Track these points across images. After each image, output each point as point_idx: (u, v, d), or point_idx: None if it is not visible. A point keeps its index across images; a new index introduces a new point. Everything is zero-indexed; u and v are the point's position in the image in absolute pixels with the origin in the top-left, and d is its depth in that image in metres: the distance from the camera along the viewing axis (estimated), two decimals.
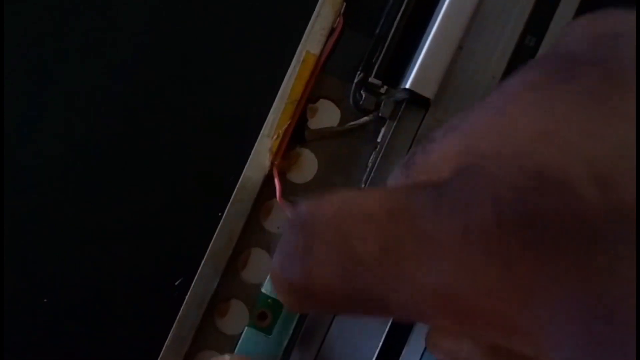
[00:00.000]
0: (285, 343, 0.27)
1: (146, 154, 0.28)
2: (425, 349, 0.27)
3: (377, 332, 0.27)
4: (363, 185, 0.27)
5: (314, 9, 0.27)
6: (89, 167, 0.28)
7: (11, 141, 0.28)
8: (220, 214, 0.27)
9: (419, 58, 0.26)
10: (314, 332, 0.27)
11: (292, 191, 0.28)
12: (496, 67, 0.27)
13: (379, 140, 0.27)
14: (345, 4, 0.27)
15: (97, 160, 0.28)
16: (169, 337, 0.27)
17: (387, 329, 0.27)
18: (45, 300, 0.27)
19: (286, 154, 0.28)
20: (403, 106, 0.27)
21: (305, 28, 0.27)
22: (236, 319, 0.28)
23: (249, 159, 0.27)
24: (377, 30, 0.27)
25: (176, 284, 0.27)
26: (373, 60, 0.27)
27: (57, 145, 0.28)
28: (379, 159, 0.27)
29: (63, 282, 0.28)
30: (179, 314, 0.27)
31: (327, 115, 0.28)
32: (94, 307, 0.27)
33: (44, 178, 0.28)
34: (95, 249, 0.28)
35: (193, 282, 0.27)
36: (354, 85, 0.27)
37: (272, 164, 0.27)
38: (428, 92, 0.26)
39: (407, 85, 0.26)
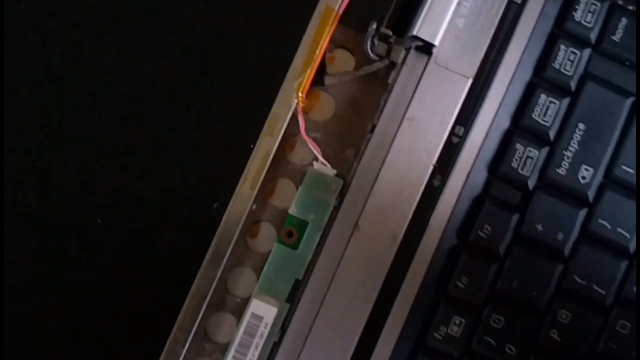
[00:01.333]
0: (309, 257, 0.31)
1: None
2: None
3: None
4: (376, 121, 0.31)
5: None
6: None
7: None
8: (252, 146, 0.31)
9: (424, 9, 0.30)
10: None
11: (312, 128, 0.32)
12: (495, 16, 0.31)
13: (389, 82, 0.31)
14: None
15: None
16: (208, 252, 0.30)
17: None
18: (99, 221, 0.31)
19: (308, 95, 0.32)
20: (410, 52, 0.31)
21: None
22: (265, 239, 0.32)
23: (277, 97, 0.31)
24: None
25: (215, 206, 0.31)
26: (384, 13, 0.31)
27: None
28: (389, 98, 0.31)
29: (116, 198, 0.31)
30: (217, 231, 0.31)
31: (343, 62, 0.32)
32: (144, 222, 0.31)
33: None
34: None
35: (229, 205, 0.31)
36: (367, 35, 0.31)
37: (297, 103, 0.31)
38: (433, 38, 0.30)
39: (415, 33, 0.30)
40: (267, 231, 0.32)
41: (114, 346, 0.31)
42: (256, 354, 0.30)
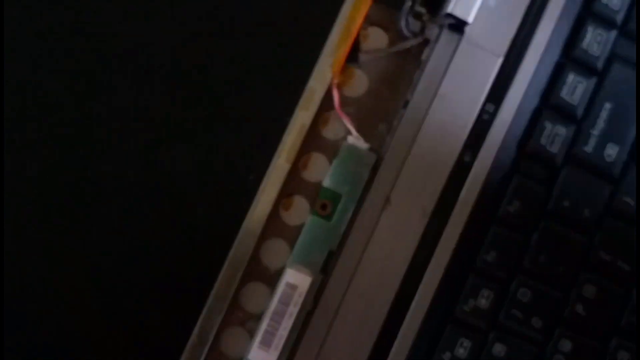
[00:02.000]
0: (343, 229, 0.32)
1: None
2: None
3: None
4: (409, 97, 0.32)
5: None
6: None
7: None
8: (287, 119, 0.32)
9: None
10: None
11: (346, 104, 0.33)
12: None
13: (422, 59, 0.32)
14: None
15: None
16: (243, 223, 0.31)
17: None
18: (137, 193, 0.32)
19: (343, 71, 0.32)
20: (443, 30, 0.32)
21: None
22: (299, 211, 0.32)
23: (313, 73, 0.32)
24: None
25: (250, 178, 0.32)
26: None
27: None
28: (423, 75, 0.32)
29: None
30: (252, 203, 0.31)
31: (377, 40, 0.33)
32: (180, 194, 0.32)
33: None
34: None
35: (265, 176, 0.31)
36: (402, 12, 0.32)
37: (331, 78, 0.32)
38: (466, 16, 0.31)
39: (449, 11, 0.31)
40: (300, 204, 0.32)
41: (150, 315, 0.32)
42: (290, 323, 0.31)
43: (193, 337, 0.30)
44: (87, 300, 0.32)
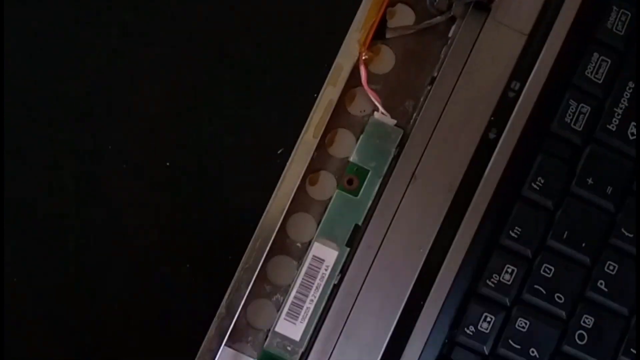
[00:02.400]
0: (369, 203, 0.32)
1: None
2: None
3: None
4: (435, 74, 0.32)
5: None
6: None
7: None
8: (315, 95, 0.32)
9: None
10: None
11: (373, 80, 0.33)
12: None
13: (449, 36, 0.33)
14: None
15: None
16: (272, 197, 0.31)
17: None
18: (167, 164, 0.32)
19: (370, 47, 0.33)
20: (470, 7, 0.32)
21: None
22: (325, 187, 0.33)
23: (340, 49, 0.32)
24: None
25: (279, 152, 0.32)
26: None
27: None
28: (450, 52, 0.32)
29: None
30: (281, 176, 0.31)
31: (404, 17, 0.33)
32: (211, 168, 0.32)
33: None
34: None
35: (293, 151, 0.32)
36: None
37: (359, 54, 0.32)
38: None
39: None
40: (326, 179, 0.33)
41: (181, 287, 0.32)
42: (317, 295, 0.31)
43: (221, 308, 0.31)
44: (119, 269, 0.32)
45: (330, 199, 0.32)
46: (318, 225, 0.32)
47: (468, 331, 0.32)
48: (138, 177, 0.32)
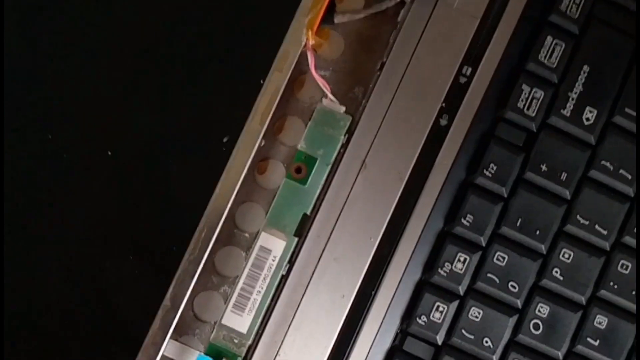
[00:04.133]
0: (317, 192, 0.31)
1: None
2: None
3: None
4: (385, 59, 0.32)
5: None
6: None
7: None
8: (261, 81, 0.31)
9: None
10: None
11: (321, 66, 0.32)
12: None
13: (398, 20, 0.32)
14: None
15: None
16: (217, 185, 0.31)
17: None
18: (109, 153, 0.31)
19: (318, 32, 0.32)
20: None
21: None
22: (274, 175, 0.32)
23: (287, 34, 0.31)
24: None
25: (224, 140, 0.31)
26: None
27: None
28: (399, 37, 0.31)
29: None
30: (227, 165, 0.31)
31: (352, 1, 0.32)
32: (154, 155, 0.31)
33: None
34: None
35: (239, 139, 0.31)
36: None
37: (306, 39, 0.31)
38: None
39: None
40: (275, 168, 0.32)
41: (124, 278, 0.32)
42: (264, 286, 0.31)
43: (166, 301, 0.30)
44: (61, 262, 0.32)
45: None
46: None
47: (420, 321, 0.31)
48: (79, 166, 0.31)
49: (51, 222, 0.31)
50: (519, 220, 0.32)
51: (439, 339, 0.32)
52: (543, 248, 0.32)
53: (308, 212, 0.31)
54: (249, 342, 0.31)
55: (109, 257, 0.31)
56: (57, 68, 0.32)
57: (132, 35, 0.32)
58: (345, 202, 0.31)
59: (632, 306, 0.32)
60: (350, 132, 0.32)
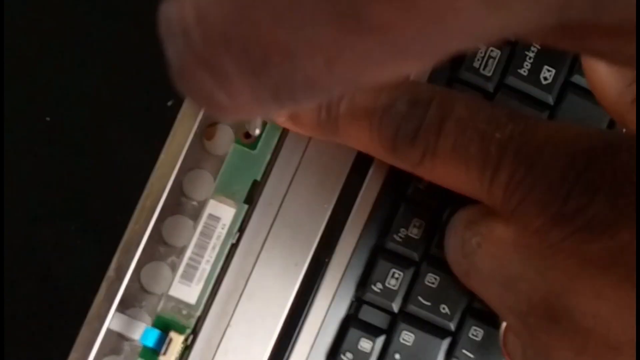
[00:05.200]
0: (268, 157, 0.30)
1: None
2: None
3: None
4: None
5: None
6: None
7: None
8: None
9: None
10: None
11: None
12: None
13: None
14: None
15: None
16: (162, 151, 0.29)
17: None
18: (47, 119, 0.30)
19: None
20: None
21: None
22: (222, 141, 0.31)
23: None
24: None
25: (168, 104, 0.30)
26: None
27: None
28: None
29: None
30: (172, 130, 0.29)
31: None
32: (95, 120, 0.30)
33: None
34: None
35: (184, 103, 0.30)
36: None
37: None
38: None
39: None
40: (224, 133, 0.31)
41: (66, 248, 0.30)
42: (213, 255, 0.30)
43: (110, 272, 0.29)
44: None
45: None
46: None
47: (375, 288, 0.31)
48: (17, 131, 0.30)
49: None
50: None
51: (395, 306, 0.31)
52: None
53: (258, 179, 0.30)
54: (198, 313, 0.30)
55: (49, 226, 0.30)
56: None
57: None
58: (298, 167, 0.30)
59: None
60: None
